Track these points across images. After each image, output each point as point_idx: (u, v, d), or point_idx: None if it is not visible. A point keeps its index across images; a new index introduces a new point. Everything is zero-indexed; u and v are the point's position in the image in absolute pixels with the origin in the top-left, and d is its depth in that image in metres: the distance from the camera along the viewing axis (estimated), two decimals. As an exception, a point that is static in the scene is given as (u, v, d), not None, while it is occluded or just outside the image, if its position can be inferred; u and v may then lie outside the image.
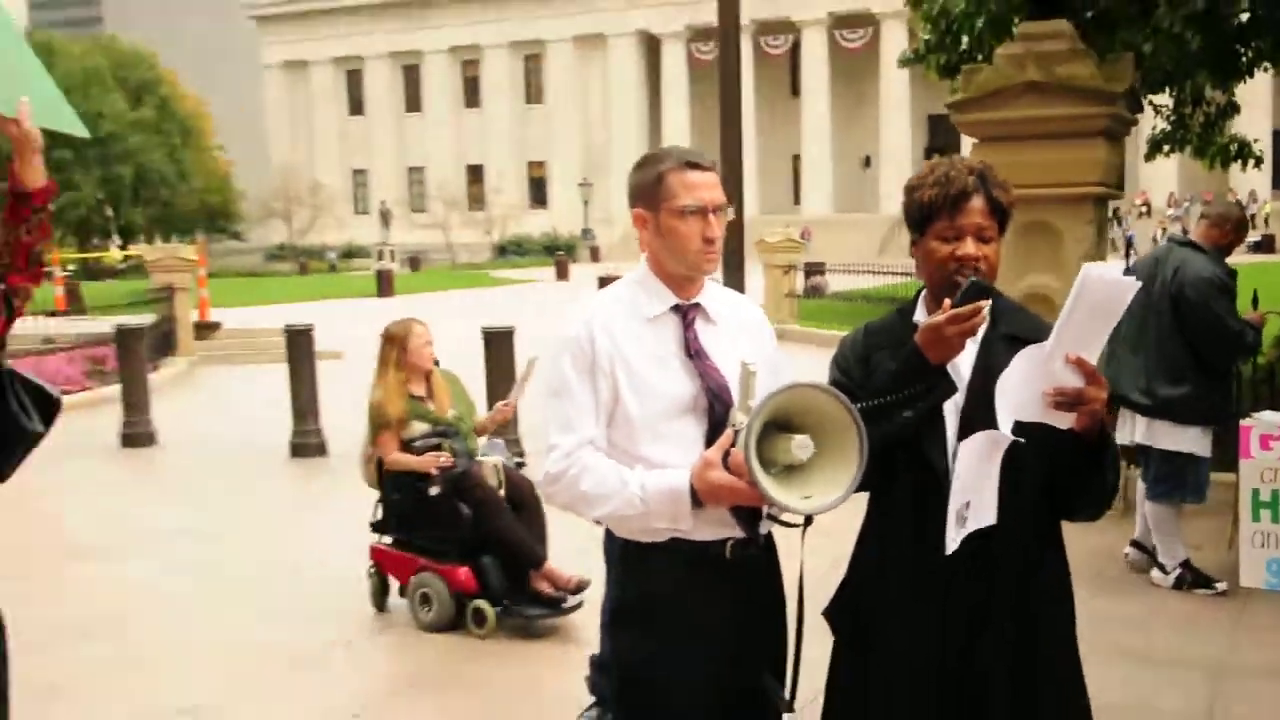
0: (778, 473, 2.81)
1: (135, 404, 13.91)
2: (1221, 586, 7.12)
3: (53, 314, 24.16)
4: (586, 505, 3.07)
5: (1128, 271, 7.22)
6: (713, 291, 3.28)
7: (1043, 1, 9.80)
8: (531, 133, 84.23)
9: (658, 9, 76.84)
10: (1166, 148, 15.17)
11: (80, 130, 3.52)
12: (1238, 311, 7.19)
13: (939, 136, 66.68)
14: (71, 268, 41.18)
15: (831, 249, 46.75)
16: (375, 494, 7.20)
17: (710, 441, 3.00)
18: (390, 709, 5.93)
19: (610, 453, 3.10)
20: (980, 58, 12.09)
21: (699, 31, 72.50)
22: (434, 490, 6.60)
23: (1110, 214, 14.08)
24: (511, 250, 75.09)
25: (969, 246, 2.89)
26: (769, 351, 3.30)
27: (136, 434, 13.78)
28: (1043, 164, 9.28)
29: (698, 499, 2.94)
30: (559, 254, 56.80)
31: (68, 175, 74.21)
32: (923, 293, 3.07)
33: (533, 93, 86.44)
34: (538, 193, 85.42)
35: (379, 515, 7.19)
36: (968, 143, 10.62)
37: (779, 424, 2.80)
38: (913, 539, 2.93)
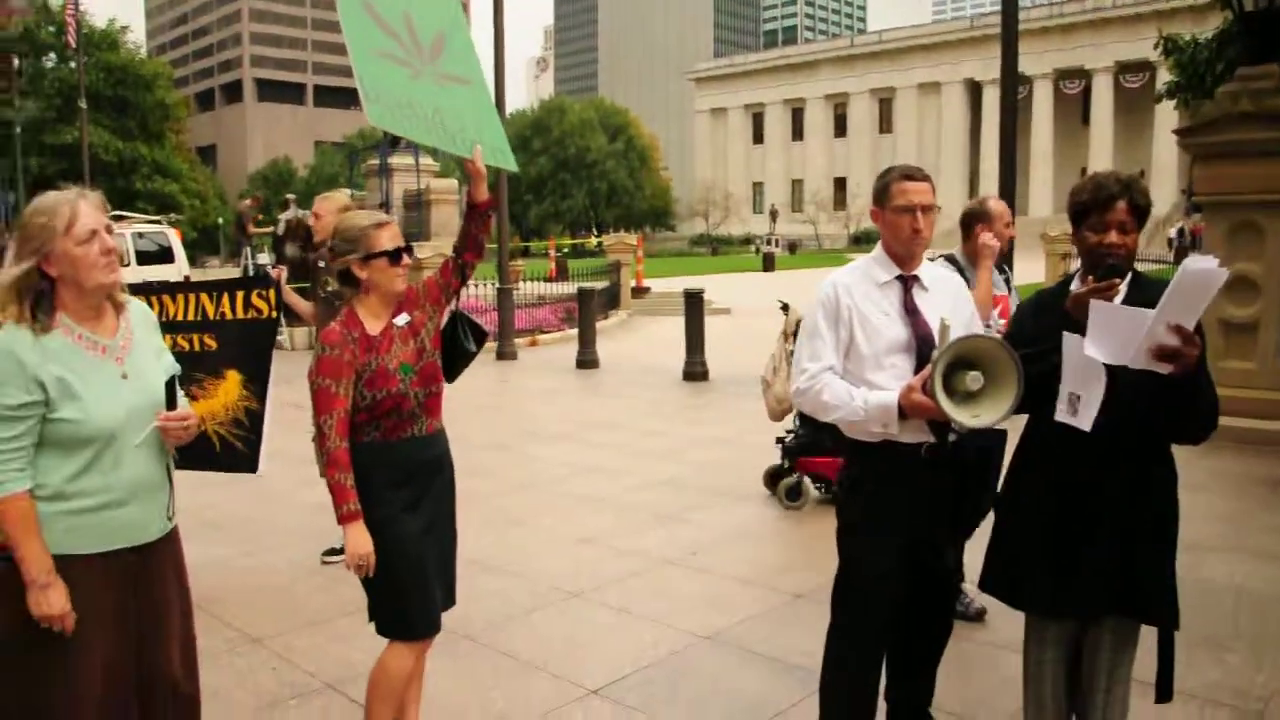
0: (959, 399, 2.84)
1: (586, 340, 14.47)
2: None
3: (547, 280, 25.49)
4: (824, 411, 3.13)
5: None
6: (927, 267, 3.29)
7: (1259, 50, 8.92)
8: (882, 154, 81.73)
9: (981, 61, 73.32)
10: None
11: (513, 167, 3.65)
12: None
13: (1200, 155, 60.76)
14: (565, 250, 43.37)
15: (1106, 243, 43.40)
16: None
17: (916, 373, 3.02)
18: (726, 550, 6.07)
19: (844, 377, 3.15)
20: (1216, 95, 11.21)
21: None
22: None
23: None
24: (863, 239, 73.91)
25: (1112, 236, 2.79)
26: (965, 313, 3.27)
27: (587, 359, 14.34)
28: (1252, 176, 8.76)
29: (903, 413, 2.97)
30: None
31: (568, 190, 78.57)
32: (1078, 270, 2.96)
33: (884, 125, 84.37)
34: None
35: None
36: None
37: (963, 362, 2.84)
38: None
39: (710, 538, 6.18)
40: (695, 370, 12.95)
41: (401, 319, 3.25)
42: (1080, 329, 2.69)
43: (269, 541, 6.28)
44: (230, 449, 5.15)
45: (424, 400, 3.21)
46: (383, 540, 3.09)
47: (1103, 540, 2.79)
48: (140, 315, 2.78)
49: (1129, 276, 2.82)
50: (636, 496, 7.20)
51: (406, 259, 3.21)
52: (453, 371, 3.67)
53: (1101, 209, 2.79)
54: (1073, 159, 70.64)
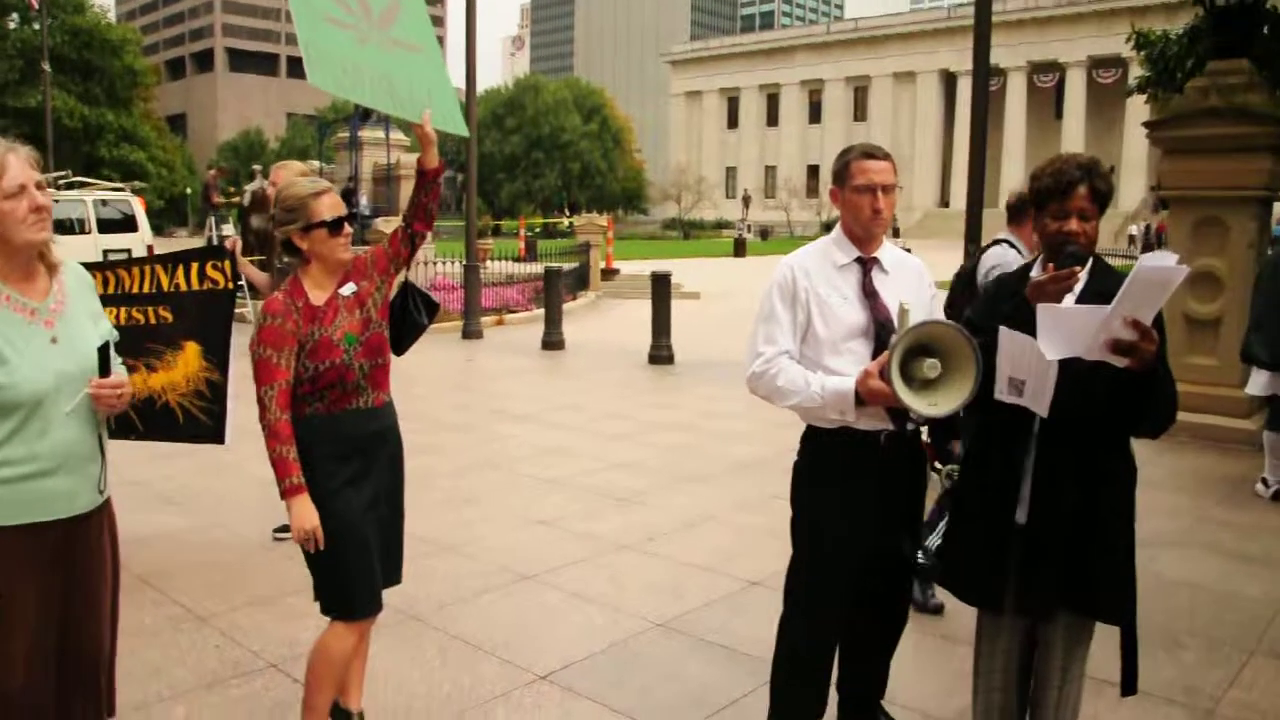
0: (917, 386, 2.77)
1: (553, 321, 14.33)
2: None
3: (516, 259, 25.29)
4: (780, 397, 3.06)
5: None
6: (888, 249, 3.21)
7: (1228, 46, 8.94)
8: (856, 142, 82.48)
9: (957, 52, 73.49)
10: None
11: (463, 132, 3.58)
12: None
13: (1170, 152, 61.55)
14: (536, 230, 43.06)
15: (1074, 235, 43.87)
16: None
17: (875, 358, 2.95)
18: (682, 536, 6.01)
19: (801, 362, 3.08)
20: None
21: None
22: None
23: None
24: (832, 226, 74.08)
25: (1073, 224, 2.72)
26: (926, 297, 3.20)
27: (552, 340, 14.19)
28: (1218, 171, 8.79)
29: (861, 399, 2.90)
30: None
31: (541, 170, 78.19)
32: (1041, 256, 2.90)
33: (858, 113, 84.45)
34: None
35: None
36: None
37: (922, 349, 2.76)
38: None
39: (668, 522, 6.11)
40: (661, 354, 12.86)
41: (347, 289, 3.15)
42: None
43: (223, 516, 6.16)
44: (193, 420, 5.16)
45: (369, 372, 3.12)
46: (326, 516, 3.00)
47: (1057, 536, 2.74)
48: (75, 278, 2.66)
49: (1089, 263, 2.76)
50: (596, 479, 7.12)
51: (347, 228, 3.11)
52: (402, 344, 3.60)
53: (1062, 195, 2.73)
54: (1045, 152, 70.31)
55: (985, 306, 2.95)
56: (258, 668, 4.08)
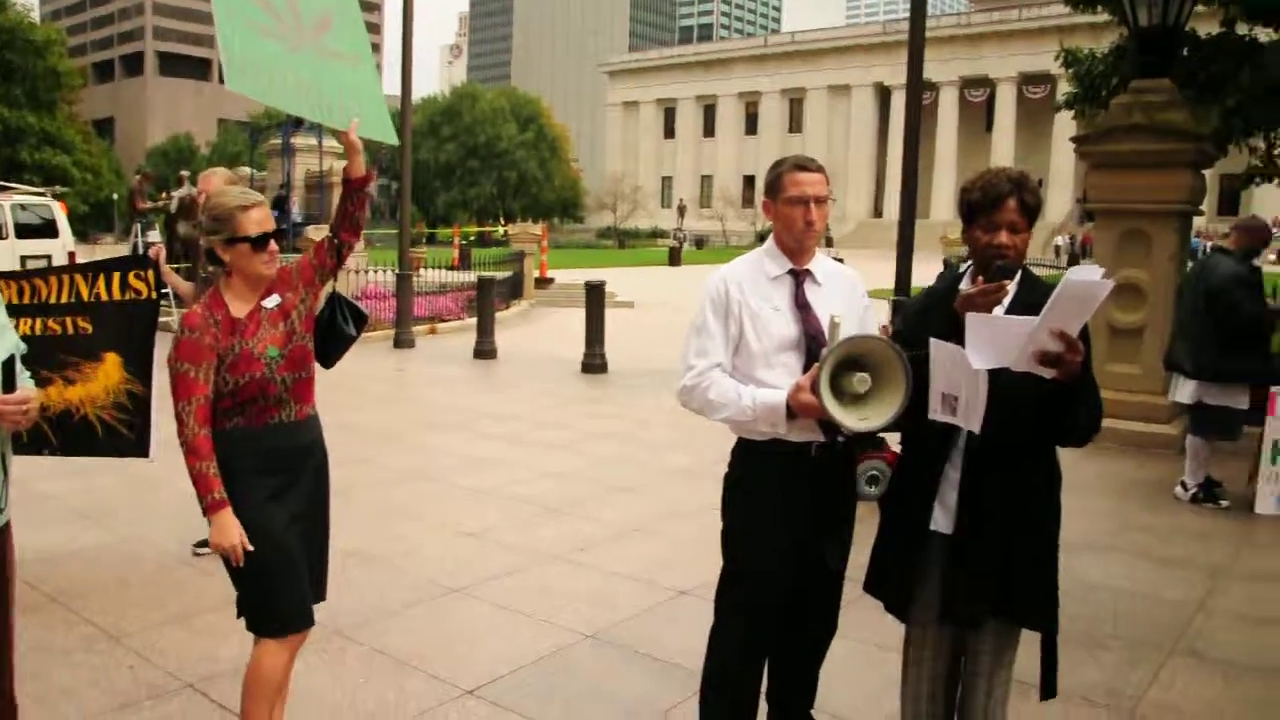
0: (847, 400, 2.75)
1: (485, 329, 14.25)
2: (1225, 504, 6.76)
3: (450, 268, 25.08)
4: (711, 410, 3.02)
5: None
6: (820, 261, 3.19)
7: (1151, 66, 9.17)
8: (791, 153, 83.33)
9: (891, 66, 74.69)
10: (1257, 180, 14.20)
11: (392, 140, 3.55)
12: (1260, 300, 6.76)
13: (1095, 166, 63.39)
14: (470, 238, 42.77)
15: (1002, 247, 44.84)
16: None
17: (807, 370, 2.92)
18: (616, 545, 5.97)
19: (733, 374, 3.05)
20: (1111, 107, 11.65)
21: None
22: None
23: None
24: (766, 237, 74.86)
25: (1002, 237, 2.72)
26: (858, 308, 3.19)
27: (484, 349, 14.11)
28: (1141, 186, 9.06)
29: (792, 412, 2.87)
30: (802, 241, 56.71)
31: (476, 178, 77.75)
32: (969, 269, 2.90)
33: (794, 125, 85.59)
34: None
35: None
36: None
37: (852, 362, 2.74)
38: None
39: (600, 533, 6.06)
40: (594, 362, 12.82)
41: (271, 301, 3.06)
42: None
43: (140, 531, 5.97)
44: (113, 433, 5.04)
45: (291, 385, 3.03)
46: (249, 532, 2.91)
47: (984, 546, 2.75)
48: None
49: (1019, 275, 2.78)
50: (527, 489, 7.04)
51: (273, 245, 3.02)
52: (329, 356, 3.51)
53: (991, 208, 2.73)
54: (976, 164, 71.80)
55: (916, 320, 2.95)
56: (173, 688, 3.95)
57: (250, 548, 2.90)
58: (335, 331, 3.51)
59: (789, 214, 3.05)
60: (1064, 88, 19.87)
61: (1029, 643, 2.88)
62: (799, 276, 3.11)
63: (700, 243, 65.89)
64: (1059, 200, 67.16)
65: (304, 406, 3.12)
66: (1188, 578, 5.39)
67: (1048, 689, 2.84)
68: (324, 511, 3.23)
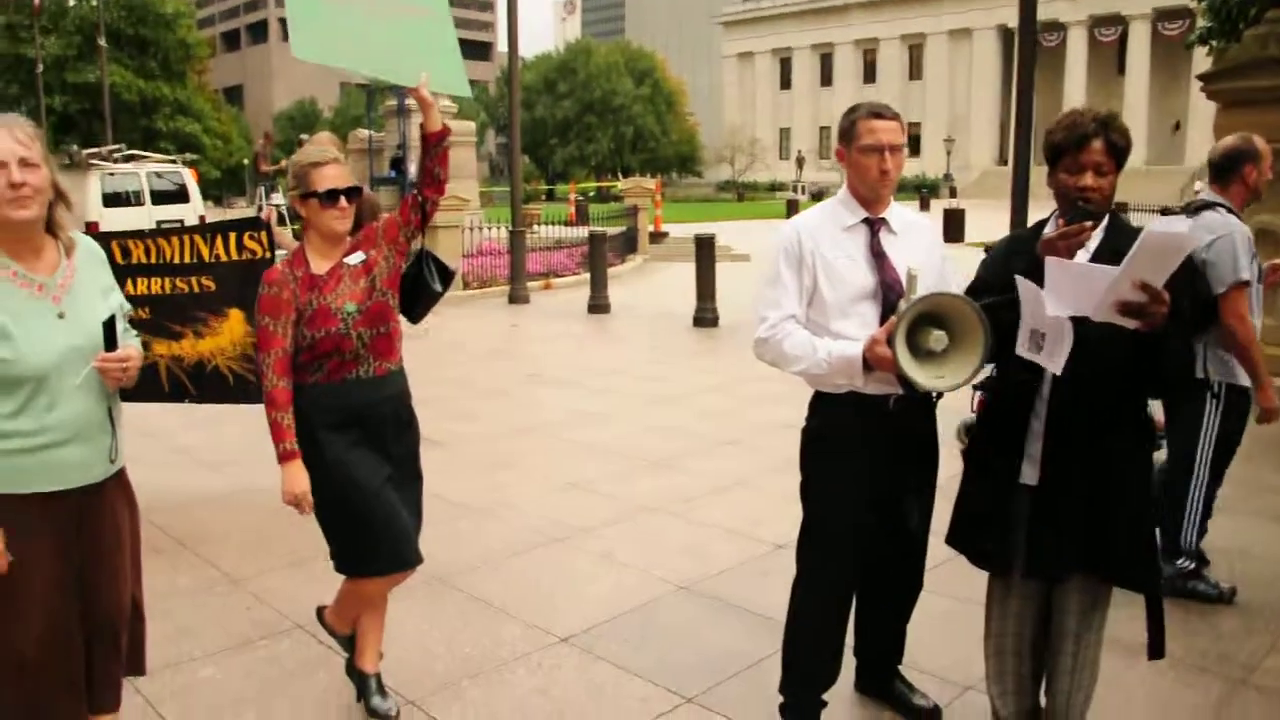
0: (923, 357, 2.71)
1: (598, 284, 14.34)
2: None
3: (567, 224, 25.24)
4: (786, 362, 3.01)
5: None
6: (896, 210, 3.13)
7: (1294, -8, 8.61)
8: (911, 102, 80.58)
9: (1014, 7, 71.84)
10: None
11: (465, 91, 3.59)
12: None
13: (1240, 105, 59.76)
14: (588, 194, 42.93)
15: (1141, 194, 42.70)
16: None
17: (883, 321, 2.88)
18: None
19: (807, 326, 3.02)
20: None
21: (1047, 24, 67.44)
22: None
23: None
24: (894, 188, 73.54)
25: (1087, 179, 2.63)
26: (936, 259, 3.12)
27: (598, 304, 14.20)
28: (1275, 124, 8.35)
29: (868, 365, 2.84)
30: (922, 191, 55.40)
31: (593, 134, 77.96)
32: (1054, 214, 2.81)
33: (914, 72, 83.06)
34: (913, 146, 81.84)
35: None
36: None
37: (930, 318, 2.70)
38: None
39: (700, 486, 6.10)
40: (705, 316, 12.78)
41: (355, 257, 3.15)
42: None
43: (261, 481, 6.24)
44: (244, 383, 5.37)
45: (370, 341, 3.12)
46: (334, 479, 3.04)
47: (1068, 498, 2.67)
48: (87, 253, 2.68)
49: (1105, 220, 2.67)
50: (631, 442, 7.12)
51: (343, 201, 3.09)
52: (414, 311, 3.58)
53: (1076, 149, 2.63)
54: (1109, 109, 69.52)
55: (998, 265, 2.87)
56: (284, 628, 4.16)
57: (334, 499, 3.02)
58: (421, 287, 3.58)
59: (864, 162, 2.99)
60: (1201, 23, 18.69)
61: (1136, 605, 2.80)
62: (874, 225, 3.06)
63: (820, 195, 64.71)
64: (1197, 148, 63.68)
65: (384, 362, 3.18)
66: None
67: (1155, 649, 2.77)
68: (411, 466, 3.31)
